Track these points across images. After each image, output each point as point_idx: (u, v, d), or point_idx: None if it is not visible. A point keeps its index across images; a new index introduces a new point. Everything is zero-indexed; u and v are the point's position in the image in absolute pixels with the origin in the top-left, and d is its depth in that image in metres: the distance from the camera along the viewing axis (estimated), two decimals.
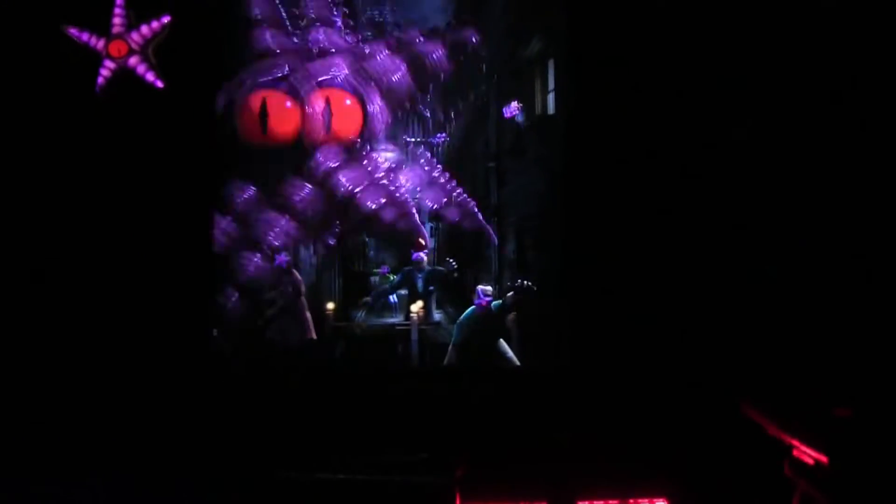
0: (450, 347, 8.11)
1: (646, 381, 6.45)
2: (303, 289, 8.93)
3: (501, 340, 7.86)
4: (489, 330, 7.84)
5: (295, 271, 9.15)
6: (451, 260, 10.17)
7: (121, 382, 6.39)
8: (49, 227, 6.55)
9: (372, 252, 12.52)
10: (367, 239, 11.96)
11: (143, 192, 6.85)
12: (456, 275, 9.97)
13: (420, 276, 9.86)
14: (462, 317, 8.11)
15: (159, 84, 6.25)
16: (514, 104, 10.00)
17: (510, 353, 7.92)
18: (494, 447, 4.96)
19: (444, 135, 11.38)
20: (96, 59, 6.34)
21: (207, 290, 7.48)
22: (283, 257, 8.77)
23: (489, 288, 7.89)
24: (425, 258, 9.96)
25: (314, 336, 8.83)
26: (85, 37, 6.26)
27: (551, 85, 10.27)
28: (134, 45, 6.28)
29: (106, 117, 6.53)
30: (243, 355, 8.32)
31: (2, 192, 6.57)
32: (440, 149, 11.00)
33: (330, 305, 9.88)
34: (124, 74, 6.32)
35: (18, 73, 6.49)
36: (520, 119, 10.08)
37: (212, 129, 7.24)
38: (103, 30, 6.36)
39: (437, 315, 10.67)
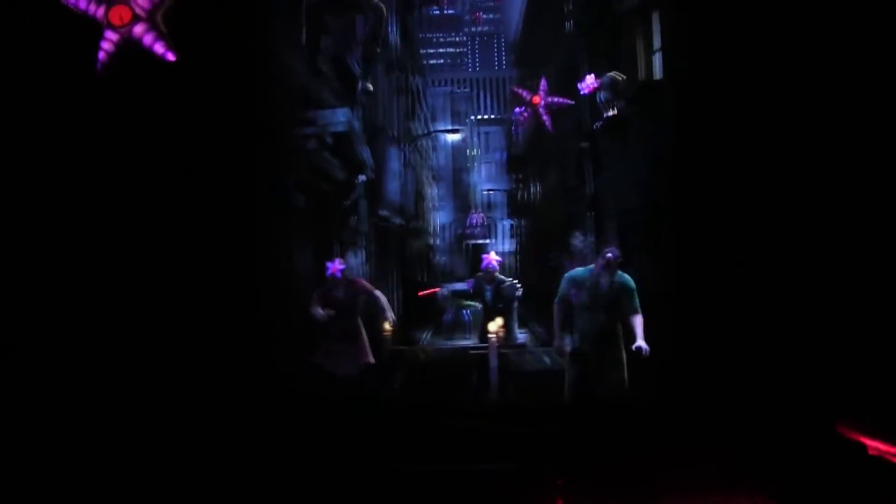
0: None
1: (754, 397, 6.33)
2: (383, 302, 8.65)
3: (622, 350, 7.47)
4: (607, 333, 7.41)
5: (360, 279, 9.02)
6: (516, 281, 9.86)
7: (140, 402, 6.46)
8: (45, 227, 6.63)
9: (439, 258, 12.43)
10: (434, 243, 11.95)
11: (157, 188, 6.88)
12: (518, 293, 9.61)
13: (489, 287, 9.59)
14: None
15: (170, 57, 6.19)
16: (590, 78, 9.75)
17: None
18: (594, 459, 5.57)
19: (521, 109, 11.14)
20: (96, 30, 6.34)
21: (241, 310, 7.49)
22: (336, 265, 8.54)
23: (613, 252, 7.38)
24: (497, 266, 9.68)
25: (371, 360, 8.70)
26: (82, 4, 6.25)
27: (657, 43, 10.05)
28: (139, 11, 6.19)
29: (109, 99, 6.56)
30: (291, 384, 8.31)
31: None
32: (518, 127, 10.78)
33: (387, 325, 9.78)
34: (129, 47, 6.28)
35: (4, 51, 6.58)
36: (602, 98, 9.82)
37: (236, 111, 7.23)
38: None
39: (522, 336, 10.44)
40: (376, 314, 8.87)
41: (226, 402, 6.72)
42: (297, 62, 9.49)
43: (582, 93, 9.84)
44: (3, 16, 6.50)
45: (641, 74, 10.42)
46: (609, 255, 7.07)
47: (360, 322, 8.56)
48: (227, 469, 5.69)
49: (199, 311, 7.07)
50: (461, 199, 48.02)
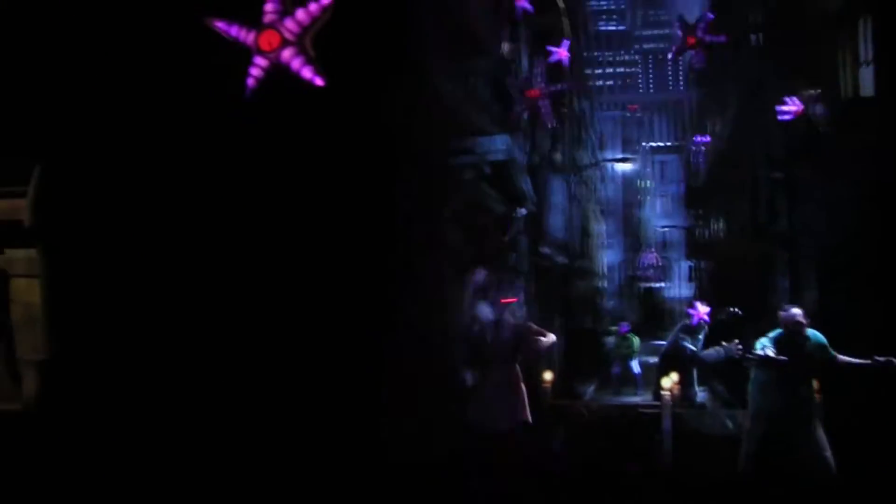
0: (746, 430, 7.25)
1: None
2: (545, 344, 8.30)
3: (819, 426, 6.97)
4: (800, 398, 6.96)
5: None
6: (734, 309, 9.56)
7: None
8: (195, 253, 7.03)
9: (608, 302, 12.31)
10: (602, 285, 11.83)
11: (303, 219, 7.13)
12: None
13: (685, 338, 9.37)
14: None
15: (319, 81, 6.44)
16: (793, 102, 9.43)
17: (826, 447, 6.94)
18: None
19: (705, 137, 10.98)
20: (246, 56, 6.67)
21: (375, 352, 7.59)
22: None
23: (798, 311, 6.92)
24: (710, 319, 9.45)
25: (529, 418, 8.52)
26: (234, 31, 6.60)
27: (865, 55, 9.67)
28: (288, 35, 6.48)
29: (258, 124, 6.88)
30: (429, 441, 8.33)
31: (149, 216, 7.14)
32: (700, 156, 10.58)
33: (547, 376, 9.68)
34: (278, 72, 6.57)
35: (157, 79, 7.04)
36: (819, 113, 9.46)
37: (387, 138, 7.39)
38: (254, 21, 6.69)
39: (701, 394, 10.16)
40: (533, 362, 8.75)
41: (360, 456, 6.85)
42: (452, 85, 9.63)
43: (782, 119, 9.53)
44: (161, 44, 6.99)
45: (847, 91, 10.03)
46: (799, 317, 6.72)
47: (519, 371, 8.33)
48: None
49: (340, 353, 7.22)
50: (632, 236, 47.33)
